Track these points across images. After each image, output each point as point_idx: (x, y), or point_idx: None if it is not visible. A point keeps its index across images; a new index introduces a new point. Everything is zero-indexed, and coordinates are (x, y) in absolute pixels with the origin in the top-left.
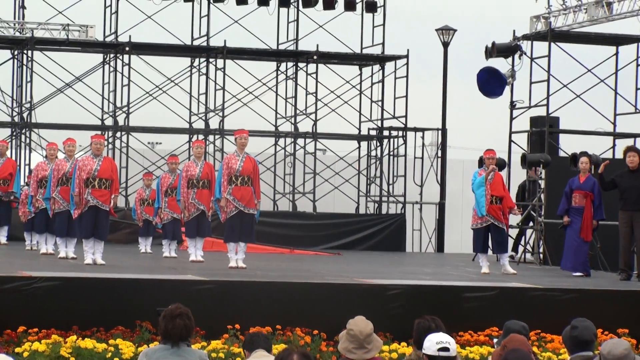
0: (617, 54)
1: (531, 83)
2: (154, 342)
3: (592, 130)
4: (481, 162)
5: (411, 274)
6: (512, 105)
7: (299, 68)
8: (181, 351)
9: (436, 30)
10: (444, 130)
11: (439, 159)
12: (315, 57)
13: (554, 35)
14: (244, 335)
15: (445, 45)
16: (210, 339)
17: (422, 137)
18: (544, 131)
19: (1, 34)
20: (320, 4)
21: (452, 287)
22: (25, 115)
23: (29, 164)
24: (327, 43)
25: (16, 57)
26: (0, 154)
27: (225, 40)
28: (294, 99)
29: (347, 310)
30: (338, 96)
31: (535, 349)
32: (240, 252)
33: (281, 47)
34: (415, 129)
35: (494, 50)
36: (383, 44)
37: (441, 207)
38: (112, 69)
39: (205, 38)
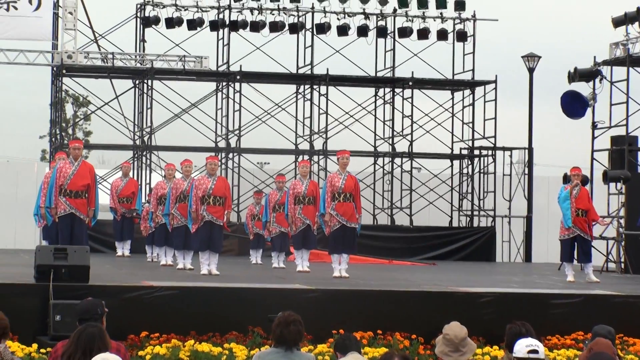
0: None
1: (611, 105)
2: (264, 346)
3: None
4: (566, 178)
5: (501, 282)
6: (594, 126)
7: (395, 93)
8: (293, 355)
9: (522, 57)
10: (530, 149)
11: (526, 176)
12: (410, 83)
13: (632, 61)
14: None
15: (531, 70)
16: (316, 343)
17: (510, 156)
18: (624, 149)
19: (124, 65)
20: (414, 34)
21: (540, 295)
22: (145, 138)
23: (150, 183)
24: (421, 70)
25: (137, 86)
26: (124, 174)
27: (327, 69)
28: (391, 121)
29: (442, 316)
30: (432, 119)
31: (618, 352)
32: (343, 262)
33: (379, 74)
34: (504, 148)
35: (576, 75)
36: (473, 70)
37: (528, 220)
38: (224, 95)
39: (310, 66)
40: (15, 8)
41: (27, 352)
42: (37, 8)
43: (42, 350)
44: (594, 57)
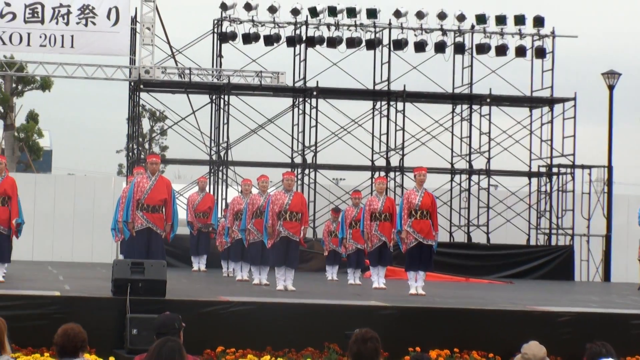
0: None
1: None
2: None
3: None
4: None
5: (580, 302)
6: None
7: (473, 110)
8: None
9: (602, 74)
10: (610, 167)
11: (605, 194)
12: (488, 100)
13: None
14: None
15: (611, 88)
16: None
17: (589, 174)
18: None
19: (201, 80)
20: (492, 51)
21: (620, 315)
22: (222, 154)
23: (226, 198)
24: (499, 86)
25: (214, 101)
26: (200, 189)
27: (404, 85)
28: (468, 138)
29: (520, 335)
30: (510, 136)
31: None
32: (420, 280)
33: (457, 90)
34: (583, 166)
35: None
36: (552, 87)
37: (607, 239)
38: (300, 111)
39: (387, 83)
40: (94, 23)
41: None
42: (115, 23)
43: None
44: None
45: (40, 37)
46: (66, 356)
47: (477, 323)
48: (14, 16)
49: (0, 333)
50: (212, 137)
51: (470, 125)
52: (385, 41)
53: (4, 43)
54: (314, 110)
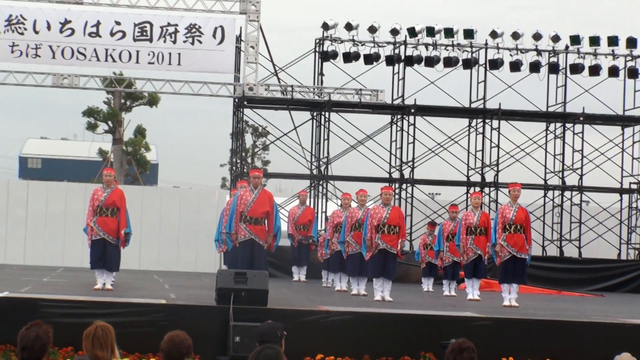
0: None
1: None
2: None
3: None
4: None
5: None
6: None
7: (566, 128)
8: None
9: None
10: None
11: None
12: (581, 119)
13: None
14: None
15: None
16: None
17: None
18: None
19: (302, 97)
20: (586, 71)
21: None
22: (322, 168)
23: (326, 212)
24: (592, 105)
25: (315, 117)
26: (301, 203)
27: (500, 103)
28: (561, 155)
29: (612, 347)
30: (602, 153)
31: None
32: (513, 292)
33: (550, 109)
34: None
35: None
36: None
37: None
38: (398, 128)
39: (482, 101)
40: (200, 42)
41: None
42: (221, 42)
43: None
44: None
45: (149, 54)
46: None
47: (569, 335)
48: (124, 34)
49: (109, 339)
50: (313, 152)
51: (564, 142)
52: (482, 61)
53: (113, 60)
54: (411, 127)
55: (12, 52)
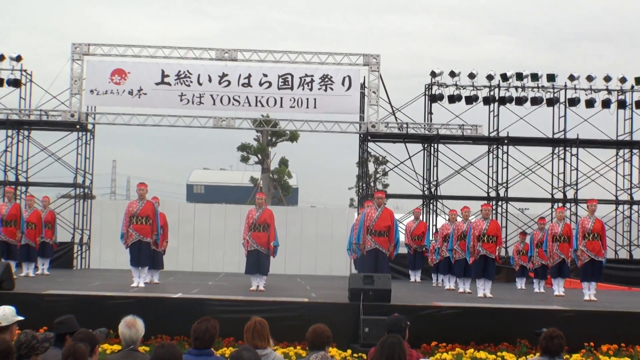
0: None
1: None
2: (529, 355)
3: None
4: None
5: None
6: None
7: (633, 153)
8: None
9: None
10: None
11: None
12: None
13: None
14: (598, 350)
15: None
16: (571, 353)
17: None
18: None
19: (415, 132)
20: None
21: None
22: (432, 189)
23: (436, 225)
24: None
25: (426, 148)
26: (415, 218)
27: (577, 134)
28: (629, 175)
29: None
30: None
31: None
32: (592, 288)
33: (619, 137)
34: None
35: None
36: None
37: None
38: (494, 156)
39: (563, 132)
40: (332, 89)
41: (344, 356)
42: (348, 89)
43: (355, 355)
44: None
45: (290, 100)
46: (315, 349)
47: (638, 323)
48: (270, 84)
49: (265, 331)
50: (424, 177)
51: (631, 165)
52: (562, 99)
53: (262, 105)
54: (505, 155)
55: (181, 100)
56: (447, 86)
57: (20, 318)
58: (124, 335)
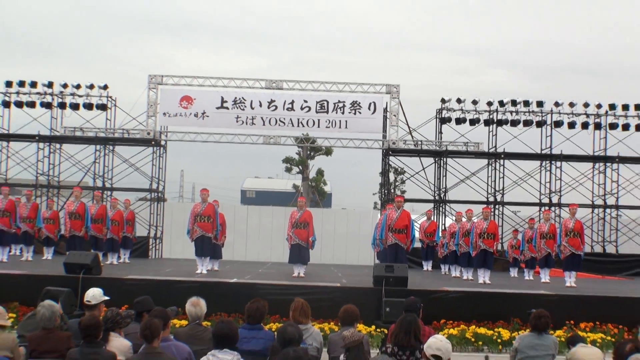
0: None
1: None
2: (521, 330)
3: None
4: None
5: None
6: None
7: (607, 166)
8: (542, 337)
9: None
10: None
11: None
12: (617, 160)
13: None
14: (577, 327)
15: None
16: (555, 329)
17: None
18: None
19: (428, 148)
20: (619, 127)
21: None
22: (442, 195)
23: (444, 224)
24: (625, 149)
25: (436, 161)
26: (427, 218)
27: (561, 150)
28: (603, 184)
29: (637, 315)
30: (631, 183)
31: None
32: (572, 277)
33: (596, 153)
34: None
35: None
36: None
37: None
38: (492, 168)
39: (549, 149)
40: (360, 112)
41: (369, 331)
42: (374, 112)
43: (378, 330)
44: None
45: (326, 121)
46: (345, 325)
47: (610, 305)
48: (309, 109)
49: (307, 310)
50: (435, 185)
51: (605, 175)
52: (549, 121)
53: (303, 126)
54: (501, 167)
55: (237, 121)
56: (454, 110)
57: (107, 298)
58: (190, 312)
